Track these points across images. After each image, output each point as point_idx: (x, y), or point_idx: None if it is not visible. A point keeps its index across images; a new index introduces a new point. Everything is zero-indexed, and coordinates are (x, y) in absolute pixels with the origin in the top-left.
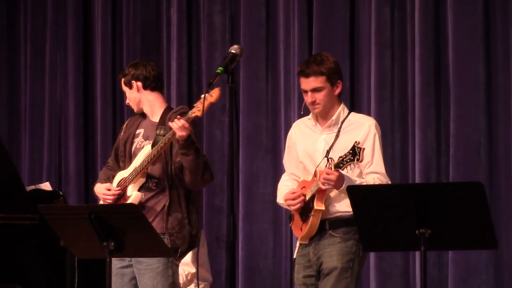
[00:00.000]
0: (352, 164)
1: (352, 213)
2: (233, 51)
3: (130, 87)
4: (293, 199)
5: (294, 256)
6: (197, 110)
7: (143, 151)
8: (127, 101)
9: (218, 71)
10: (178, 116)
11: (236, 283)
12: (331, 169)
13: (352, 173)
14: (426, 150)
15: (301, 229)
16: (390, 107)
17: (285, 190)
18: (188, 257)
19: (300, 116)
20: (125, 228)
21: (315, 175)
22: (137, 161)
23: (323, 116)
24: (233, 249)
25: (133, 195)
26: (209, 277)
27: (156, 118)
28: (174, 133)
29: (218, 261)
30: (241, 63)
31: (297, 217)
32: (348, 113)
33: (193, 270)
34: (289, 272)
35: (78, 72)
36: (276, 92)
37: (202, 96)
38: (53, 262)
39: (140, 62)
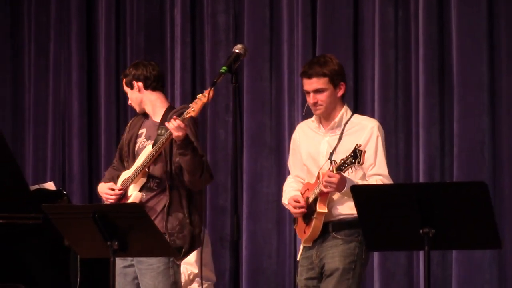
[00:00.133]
0: (353, 167)
1: (355, 215)
2: (237, 50)
3: (132, 87)
4: (295, 207)
5: (298, 259)
6: (192, 110)
7: (145, 151)
8: (130, 102)
9: (222, 70)
10: (174, 116)
11: (240, 283)
12: (333, 171)
13: (355, 175)
14: (430, 150)
15: (305, 232)
16: (394, 107)
17: (290, 191)
18: (192, 257)
19: (303, 117)
20: (129, 228)
21: (318, 177)
22: (138, 161)
23: (326, 118)
24: (237, 248)
25: (133, 195)
26: (213, 277)
27: (158, 118)
28: (171, 133)
29: (222, 261)
30: (245, 63)
31: (300, 220)
32: (351, 115)
33: (196, 270)
34: (293, 272)
35: (82, 70)
36: (280, 91)
37: (198, 96)
38: (57, 261)
39: (141, 62)
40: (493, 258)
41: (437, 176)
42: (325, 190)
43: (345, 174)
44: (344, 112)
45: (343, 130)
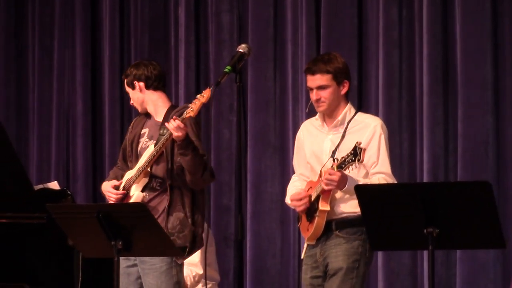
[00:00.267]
0: (354, 165)
1: (357, 213)
2: (241, 50)
3: (133, 87)
4: (298, 200)
5: (302, 257)
6: (190, 110)
7: (147, 151)
8: (131, 102)
9: (226, 70)
10: (174, 117)
11: (244, 283)
12: (334, 169)
13: (358, 174)
14: (434, 150)
15: (308, 230)
16: (398, 106)
17: (294, 191)
18: (196, 257)
19: (307, 115)
20: (133, 227)
21: (320, 175)
22: (141, 161)
23: (330, 116)
24: (241, 248)
25: (135, 195)
26: (217, 277)
27: (160, 117)
28: (171, 133)
29: (226, 261)
30: (249, 62)
31: (304, 218)
32: (355, 113)
33: (201, 271)
34: (297, 272)
35: (86, 69)
36: (284, 91)
37: (197, 96)
38: (61, 261)
39: (142, 62)
40: (497, 257)
41: (441, 175)
42: (326, 188)
43: (346, 172)
44: (348, 110)
45: (346, 128)
